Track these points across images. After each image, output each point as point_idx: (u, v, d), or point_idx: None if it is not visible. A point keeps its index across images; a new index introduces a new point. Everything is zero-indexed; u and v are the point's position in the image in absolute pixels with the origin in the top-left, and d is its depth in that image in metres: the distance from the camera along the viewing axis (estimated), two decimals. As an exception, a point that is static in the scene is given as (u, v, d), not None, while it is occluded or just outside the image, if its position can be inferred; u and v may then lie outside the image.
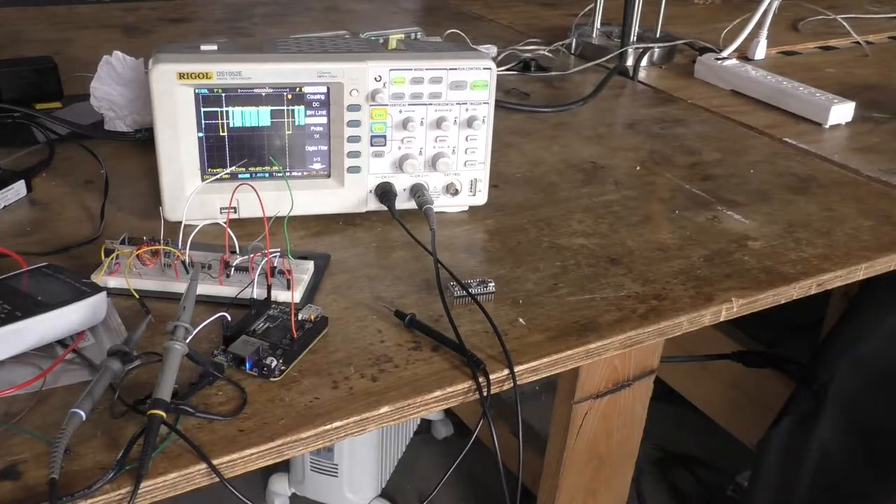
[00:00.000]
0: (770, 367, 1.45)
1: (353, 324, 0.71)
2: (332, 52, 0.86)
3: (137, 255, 0.74)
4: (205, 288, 0.72)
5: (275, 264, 0.74)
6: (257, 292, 0.72)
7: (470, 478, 1.72)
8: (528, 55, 1.51)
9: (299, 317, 0.69)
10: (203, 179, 0.84)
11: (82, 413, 0.56)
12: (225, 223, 0.74)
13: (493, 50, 1.51)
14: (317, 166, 0.87)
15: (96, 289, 0.67)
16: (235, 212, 0.83)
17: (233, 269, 0.74)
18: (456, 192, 0.90)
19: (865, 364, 1.19)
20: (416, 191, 0.88)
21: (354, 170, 0.87)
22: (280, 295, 0.73)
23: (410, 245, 0.84)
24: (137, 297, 0.71)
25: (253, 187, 0.78)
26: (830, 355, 1.23)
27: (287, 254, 0.75)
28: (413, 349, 0.69)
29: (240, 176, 0.85)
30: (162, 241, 0.75)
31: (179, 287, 0.71)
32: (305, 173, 0.87)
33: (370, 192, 0.88)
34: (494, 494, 1.74)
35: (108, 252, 0.75)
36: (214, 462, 0.55)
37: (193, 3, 1.92)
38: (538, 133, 1.14)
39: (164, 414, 0.56)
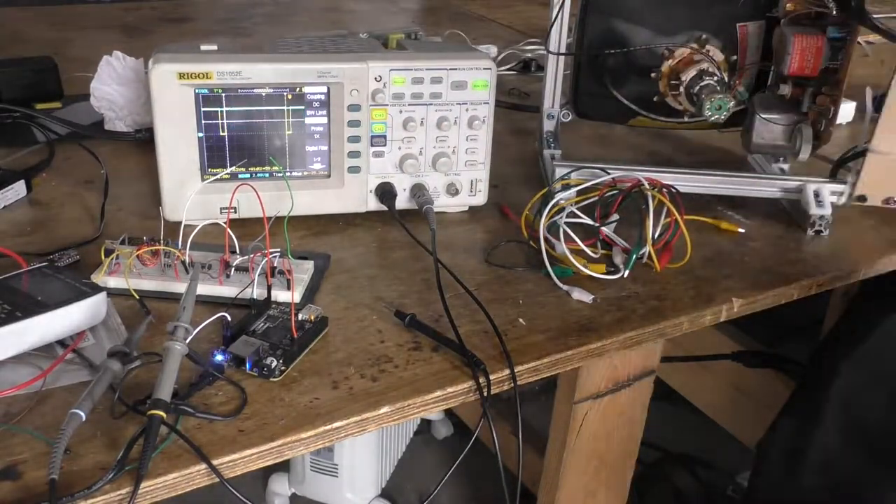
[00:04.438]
0: (770, 367, 1.45)
1: (353, 324, 0.71)
2: (332, 52, 0.86)
3: (137, 256, 0.74)
4: (205, 288, 0.72)
5: (275, 264, 0.74)
6: (257, 292, 0.72)
7: (470, 478, 1.72)
8: (528, 55, 1.51)
9: (299, 317, 0.69)
10: (203, 179, 0.84)
11: (82, 413, 0.56)
12: (225, 223, 0.74)
13: (493, 50, 1.51)
14: (317, 166, 0.87)
15: (96, 289, 0.67)
16: (235, 212, 0.83)
17: (233, 269, 0.74)
18: (456, 192, 0.90)
19: (865, 364, 1.19)
20: (417, 191, 0.88)
21: (354, 170, 0.87)
22: (280, 295, 0.73)
23: (410, 245, 0.84)
24: (137, 297, 0.71)
25: (253, 187, 0.78)
26: (830, 355, 1.23)
27: (287, 254, 0.75)
28: (413, 349, 0.68)
29: (240, 176, 0.85)
30: (162, 242, 0.75)
31: (179, 287, 0.71)
32: (305, 173, 0.87)
33: (370, 192, 0.88)
34: (494, 494, 1.74)
35: (108, 252, 0.75)
36: (214, 462, 0.55)
37: (193, 3, 1.93)
38: (538, 133, 1.14)
39: (164, 414, 0.56)
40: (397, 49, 0.93)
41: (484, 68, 0.85)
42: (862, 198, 0.91)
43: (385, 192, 0.87)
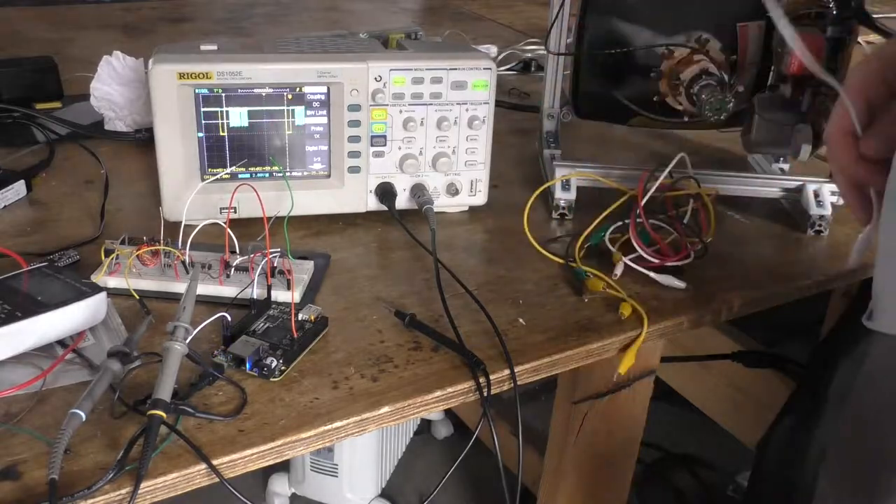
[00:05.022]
0: (770, 367, 1.45)
1: (353, 324, 0.71)
2: (332, 51, 0.86)
3: (137, 256, 0.74)
4: (205, 288, 0.72)
5: (275, 264, 0.74)
6: (257, 292, 0.72)
7: (470, 478, 1.72)
8: (528, 55, 1.51)
9: (299, 317, 0.69)
10: (203, 179, 0.84)
11: (82, 413, 0.56)
12: (225, 223, 0.74)
13: (493, 50, 1.51)
14: (317, 166, 0.87)
15: (96, 289, 0.67)
16: (235, 212, 0.83)
17: (233, 269, 0.74)
18: (456, 192, 0.90)
19: (865, 363, 1.19)
20: (417, 191, 0.88)
21: (355, 170, 0.87)
22: (280, 295, 0.73)
23: (410, 245, 0.83)
24: (137, 297, 0.71)
25: (253, 187, 0.78)
26: (830, 355, 1.23)
27: (287, 254, 0.75)
28: (413, 349, 0.68)
29: (240, 176, 0.85)
30: (162, 242, 0.75)
31: (179, 287, 0.71)
32: (305, 173, 0.87)
33: (370, 192, 0.88)
34: (494, 494, 1.74)
35: (108, 252, 0.75)
36: (214, 462, 0.55)
37: (193, 3, 1.93)
38: (538, 133, 1.14)
39: (164, 414, 0.56)
40: (397, 49, 0.93)
41: (484, 68, 0.85)
42: None
43: (385, 192, 0.87)
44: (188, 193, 0.82)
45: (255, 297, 0.72)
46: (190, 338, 0.62)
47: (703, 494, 1.75)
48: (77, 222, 0.86)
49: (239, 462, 0.57)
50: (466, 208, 0.93)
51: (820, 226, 0.91)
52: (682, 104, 0.91)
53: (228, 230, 0.74)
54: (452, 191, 0.90)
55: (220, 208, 0.84)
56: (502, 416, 1.00)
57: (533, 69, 1.47)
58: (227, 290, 0.73)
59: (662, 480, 1.76)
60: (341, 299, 0.75)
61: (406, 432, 1.76)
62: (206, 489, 0.57)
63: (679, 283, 0.79)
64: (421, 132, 0.86)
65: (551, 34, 0.97)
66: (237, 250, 0.75)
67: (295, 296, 0.72)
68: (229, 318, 0.66)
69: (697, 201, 0.87)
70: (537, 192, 0.89)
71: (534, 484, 1.14)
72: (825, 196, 0.93)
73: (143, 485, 0.53)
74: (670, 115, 0.96)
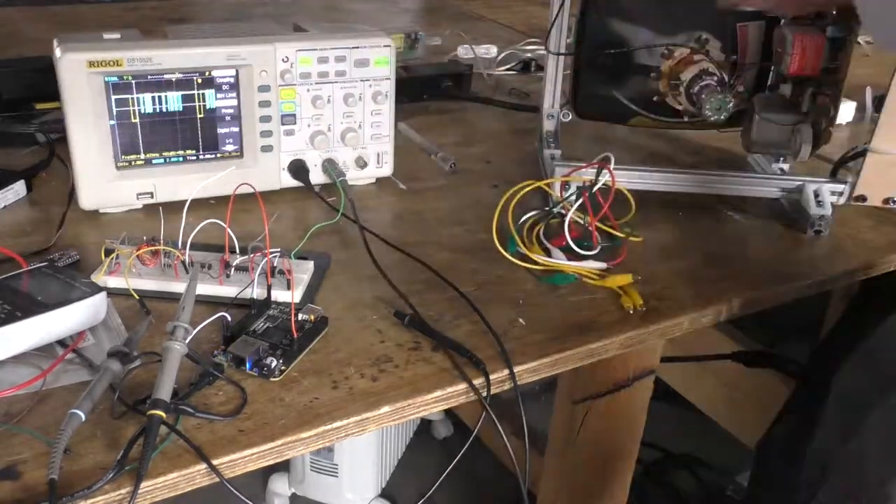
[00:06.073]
0: (770, 367, 1.45)
1: (353, 324, 0.71)
2: (240, 35, 0.88)
3: (137, 256, 0.74)
4: (205, 288, 0.72)
5: (275, 264, 0.74)
6: (257, 292, 0.72)
7: (470, 478, 1.72)
8: (528, 55, 1.51)
9: (299, 317, 0.69)
10: (117, 167, 0.84)
11: (82, 413, 0.56)
12: (225, 223, 0.74)
13: (493, 50, 1.51)
14: (229, 147, 0.88)
15: (96, 289, 0.67)
16: (152, 197, 0.85)
17: (233, 268, 0.74)
18: (364, 165, 0.94)
19: (865, 364, 1.19)
20: (328, 165, 0.91)
21: (267, 149, 0.89)
22: (280, 295, 0.73)
23: (410, 245, 0.83)
24: (137, 297, 0.71)
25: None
26: (830, 355, 1.23)
27: (287, 254, 0.75)
28: (413, 349, 0.68)
29: (154, 161, 0.86)
30: (162, 241, 0.75)
31: (179, 287, 0.71)
32: (219, 155, 0.88)
33: (283, 169, 0.90)
34: (494, 494, 1.74)
35: (108, 252, 0.75)
36: (214, 462, 0.55)
37: (193, 3, 1.92)
38: (538, 133, 1.14)
39: (163, 414, 0.56)
40: (301, 32, 0.97)
41: (384, 45, 0.89)
42: (862, 198, 0.91)
43: (298, 169, 0.91)
44: (103, 182, 0.82)
45: (255, 297, 0.72)
46: (190, 338, 0.62)
47: (703, 494, 1.74)
48: (77, 222, 0.86)
49: (239, 462, 0.57)
50: (374, 180, 0.96)
51: (820, 226, 0.91)
52: (682, 104, 0.91)
53: (228, 230, 0.74)
54: (361, 164, 0.94)
55: (137, 194, 0.85)
56: (502, 416, 1.00)
57: (533, 69, 1.47)
58: (227, 290, 0.73)
59: (662, 480, 1.76)
60: (341, 299, 0.75)
61: (406, 432, 1.76)
62: (206, 489, 0.57)
63: (598, 265, 0.80)
64: (329, 109, 0.89)
65: (551, 34, 0.97)
66: (237, 250, 0.75)
67: (295, 296, 0.72)
68: (229, 318, 0.66)
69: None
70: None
71: (534, 484, 1.14)
72: (825, 196, 0.93)
73: (143, 485, 0.53)
74: (670, 115, 0.96)
